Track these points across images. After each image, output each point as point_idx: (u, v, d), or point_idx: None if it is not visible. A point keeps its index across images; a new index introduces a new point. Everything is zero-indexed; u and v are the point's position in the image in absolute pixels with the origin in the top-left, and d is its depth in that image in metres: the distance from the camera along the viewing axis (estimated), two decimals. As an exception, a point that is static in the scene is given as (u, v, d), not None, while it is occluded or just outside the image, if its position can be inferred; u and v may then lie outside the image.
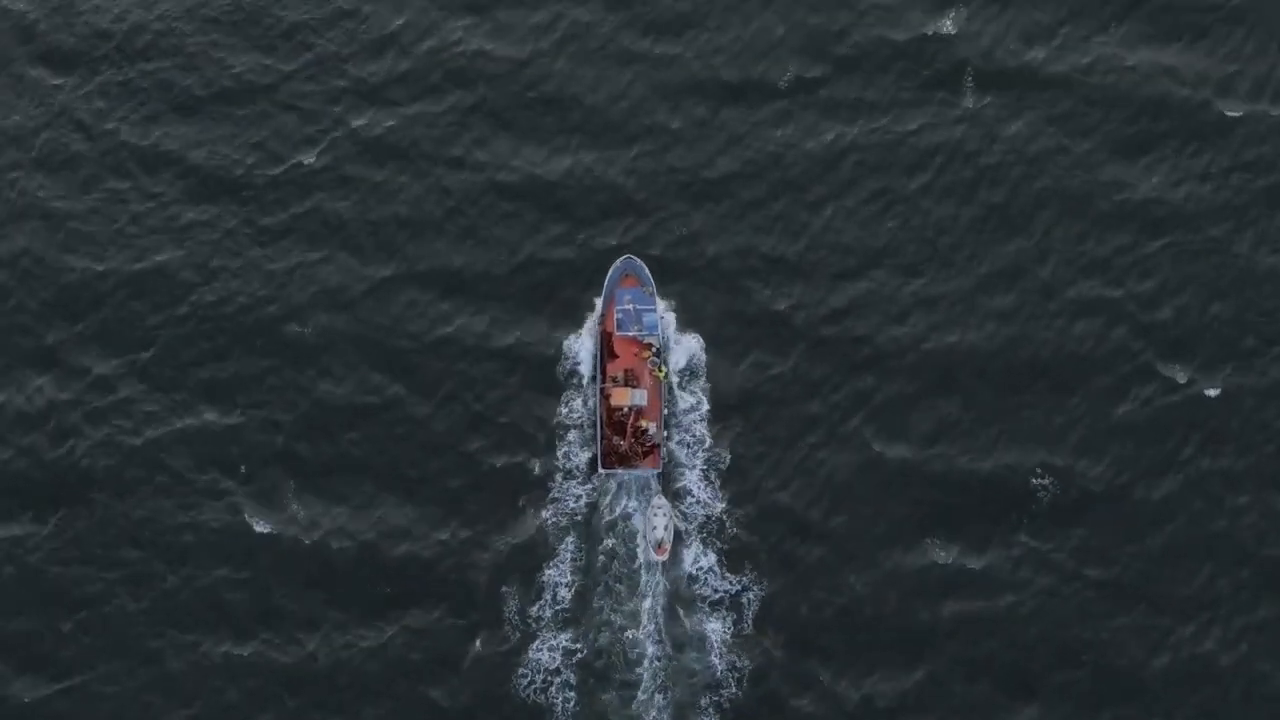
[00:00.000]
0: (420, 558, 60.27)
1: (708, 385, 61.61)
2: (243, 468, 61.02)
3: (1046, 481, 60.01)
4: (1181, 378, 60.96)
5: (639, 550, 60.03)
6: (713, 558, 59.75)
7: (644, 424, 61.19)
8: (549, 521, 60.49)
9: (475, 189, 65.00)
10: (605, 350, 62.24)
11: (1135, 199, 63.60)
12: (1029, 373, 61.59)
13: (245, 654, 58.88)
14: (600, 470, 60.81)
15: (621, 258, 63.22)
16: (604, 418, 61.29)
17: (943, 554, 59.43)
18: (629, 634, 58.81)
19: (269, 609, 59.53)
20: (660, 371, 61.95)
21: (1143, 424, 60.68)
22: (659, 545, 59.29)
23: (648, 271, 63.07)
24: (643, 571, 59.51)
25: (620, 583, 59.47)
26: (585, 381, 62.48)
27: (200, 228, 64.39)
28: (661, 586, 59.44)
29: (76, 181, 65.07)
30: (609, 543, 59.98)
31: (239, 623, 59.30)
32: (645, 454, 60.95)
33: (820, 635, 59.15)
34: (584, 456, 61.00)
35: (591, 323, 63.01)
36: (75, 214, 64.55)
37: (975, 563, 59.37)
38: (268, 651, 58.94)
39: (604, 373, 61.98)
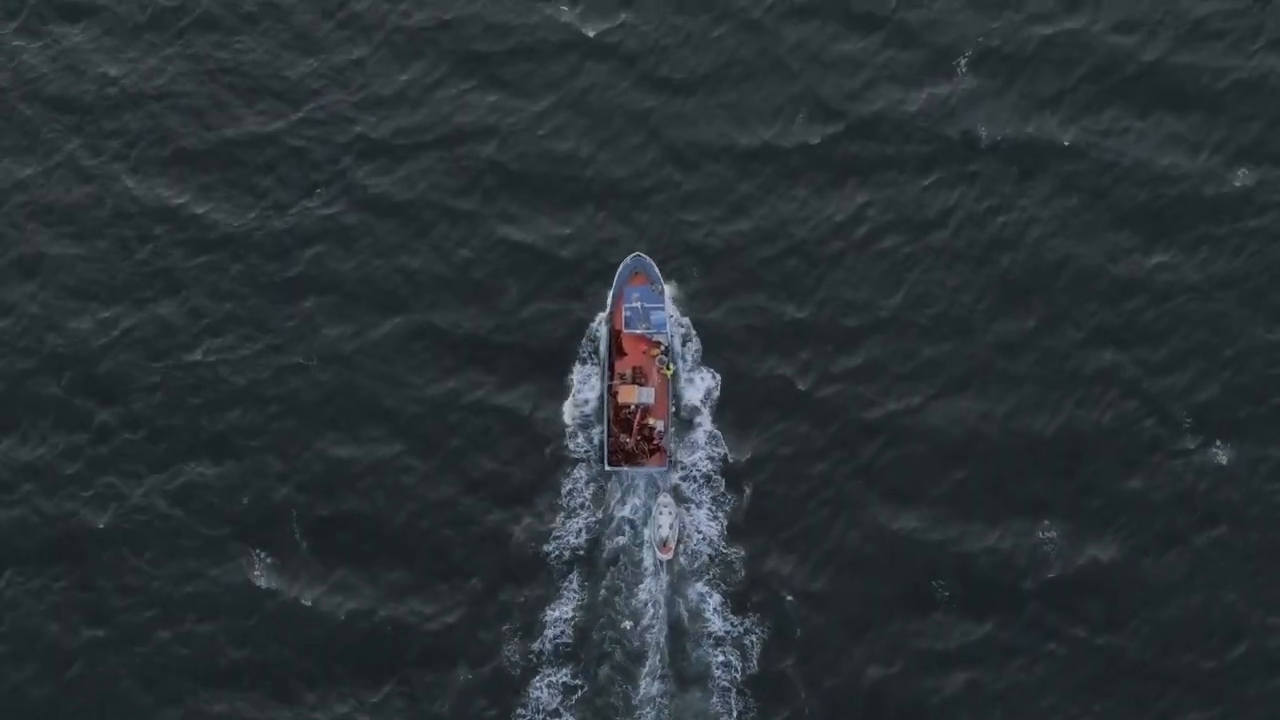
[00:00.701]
0: (422, 612, 59.58)
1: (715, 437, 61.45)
2: (242, 524, 60.04)
3: (1054, 551, 59.64)
4: (1190, 446, 60.60)
5: (645, 555, 60.18)
6: (717, 598, 59.31)
7: (651, 421, 61.19)
8: (551, 559, 60.07)
9: (482, 246, 64.04)
10: (613, 347, 62.13)
11: (1145, 268, 63.09)
12: (1038, 442, 61.00)
13: (241, 711, 58.10)
14: (606, 467, 60.77)
15: (631, 255, 63.10)
16: (611, 415, 61.23)
17: (949, 623, 59.04)
18: (632, 669, 58.86)
19: (266, 665, 58.69)
20: (668, 369, 61.94)
21: (1151, 495, 60.22)
22: (664, 544, 59.36)
23: (657, 269, 62.98)
24: (647, 607, 59.42)
25: (623, 618, 59.37)
26: (592, 398, 62.58)
27: (202, 279, 63.31)
28: (665, 632, 59.48)
29: (78, 231, 63.90)
30: (610, 580, 59.79)
31: (235, 680, 58.38)
32: (651, 452, 60.97)
33: (825, 706, 58.83)
34: (588, 493, 60.65)
35: (600, 323, 62.89)
36: (77, 263, 63.39)
37: (981, 632, 58.96)
38: (265, 708, 58.20)
39: (611, 370, 61.90)
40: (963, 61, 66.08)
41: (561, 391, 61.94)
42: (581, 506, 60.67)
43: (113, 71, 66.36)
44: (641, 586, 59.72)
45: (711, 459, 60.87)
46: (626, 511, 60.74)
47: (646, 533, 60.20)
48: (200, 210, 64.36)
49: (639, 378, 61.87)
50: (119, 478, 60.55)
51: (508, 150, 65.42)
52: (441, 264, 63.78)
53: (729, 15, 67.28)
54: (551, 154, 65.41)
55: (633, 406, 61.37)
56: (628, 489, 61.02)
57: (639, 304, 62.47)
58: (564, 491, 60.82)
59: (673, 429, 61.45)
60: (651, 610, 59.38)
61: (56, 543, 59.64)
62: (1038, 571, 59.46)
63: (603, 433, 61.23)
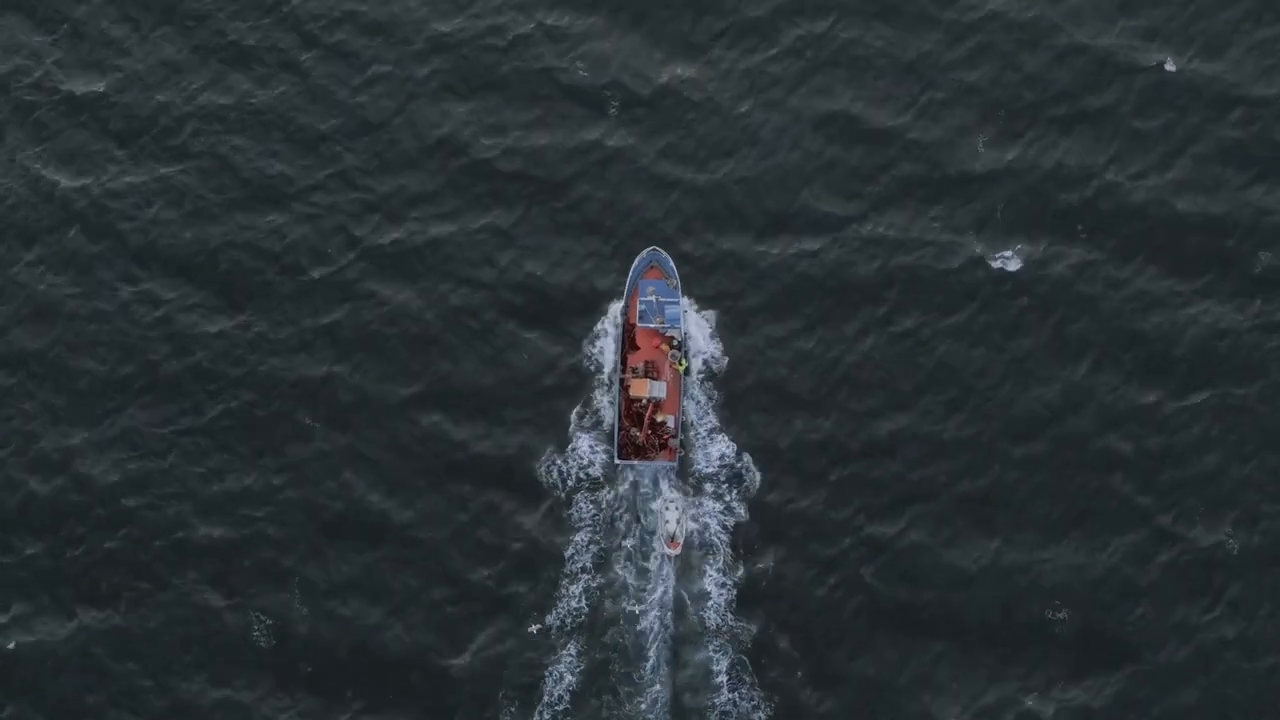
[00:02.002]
0: (425, 667, 59.62)
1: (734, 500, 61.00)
2: (243, 581, 60.03)
3: (1067, 631, 58.94)
4: (1207, 539, 59.71)
5: (652, 546, 60.14)
6: (724, 663, 59.11)
7: (662, 417, 61.09)
8: (552, 625, 59.86)
9: (504, 308, 63.39)
10: (626, 341, 62.09)
11: (1176, 350, 62.01)
12: (1057, 521, 60.21)
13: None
14: (616, 461, 60.77)
15: (647, 249, 63.01)
16: (622, 409, 61.20)
17: (963, 699, 58.69)
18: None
19: (266, 723, 59.43)
20: (680, 365, 61.81)
21: (1167, 580, 59.37)
22: (671, 539, 59.32)
23: (672, 264, 62.83)
24: (647, 670, 59.37)
25: (623, 684, 59.21)
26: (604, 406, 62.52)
27: (213, 335, 63.00)
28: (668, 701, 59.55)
29: (91, 283, 63.68)
30: (612, 637, 59.62)
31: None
32: (662, 446, 60.89)
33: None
34: (588, 557, 60.30)
35: (614, 315, 62.81)
36: (88, 316, 63.21)
37: (994, 708, 58.55)
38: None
39: (624, 364, 61.86)
40: (981, 142, 65.12)
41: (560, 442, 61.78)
42: (588, 509, 60.95)
43: (131, 121, 66.29)
44: (648, 584, 59.82)
45: (726, 526, 60.60)
46: (634, 506, 60.81)
47: (654, 528, 60.16)
48: (214, 264, 63.91)
49: (651, 372, 61.79)
50: (125, 531, 60.47)
51: (533, 210, 64.87)
52: (461, 324, 63.24)
53: (756, 90, 66.22)
54: (570, 224, 64.86)
55: (644, 401, 61.32)
56: (636, 484, 61.04)
57: (654, 298, 62.36)
58: (570, 504, 61.11)
59: (683, 423, 61.35)
60: (657, 611, 59.56)
61: (58, 596, 59.79)
62: (1050, 649, 58.83)
63: (613, 426, 61.21)
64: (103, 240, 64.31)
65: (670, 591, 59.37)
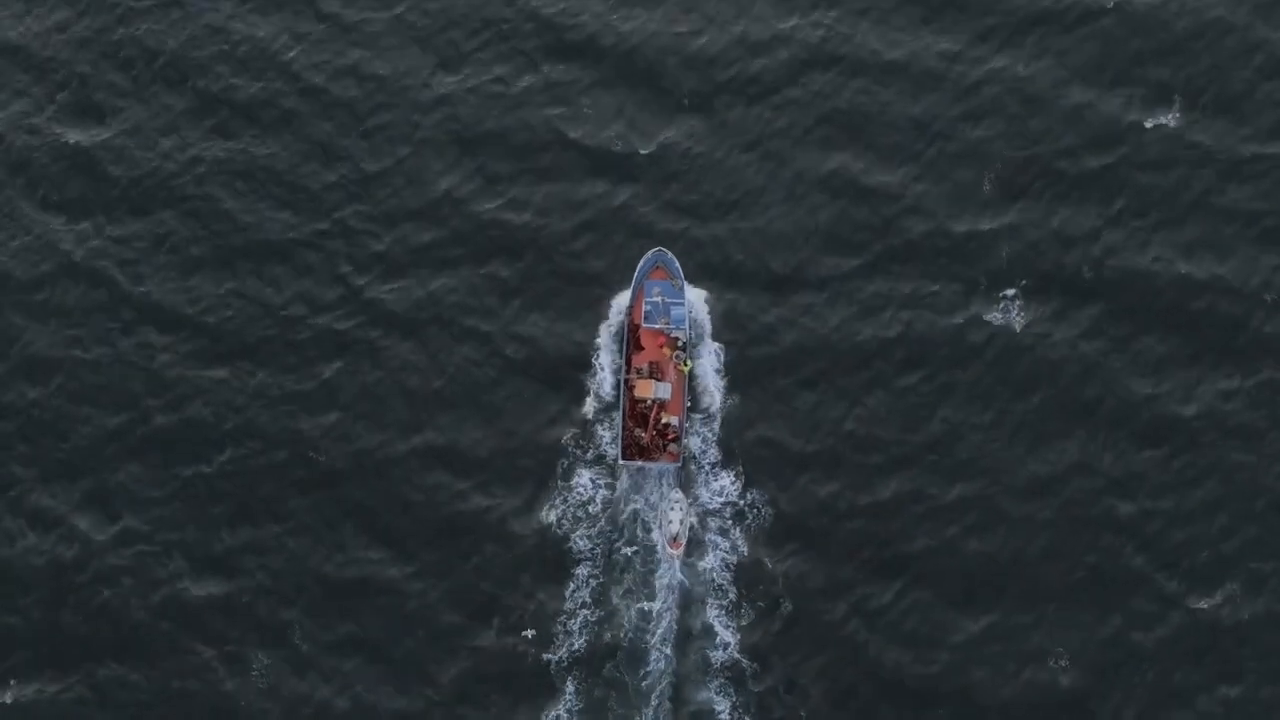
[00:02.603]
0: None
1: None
2: (240, 636, 59.53)
3: (1070, 694, 58.45)
4: (1211, 602, 59.10)
5: (656, 546, 60.03)
6: (726, 705, 58.64)
7: (667, 417, 61.02)
8: (553, 670, 59.48)
9: (503, 360, 62.93)
10: (631, 342, 62.05)
11: (1177, 412, 61.35)
12: (1055, 586, 59.57)
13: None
14: (620, 461, 60.64)
15: (653, 249, 63.00)
16: (626, 409, 61.12)
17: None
18: None
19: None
20: (685, 366, 61.75)
21: (1171, 644, 58.84)
22: (674, 539, 59.14)
23: (678, 265, 62.83)
24: (649, 711, 59.06)
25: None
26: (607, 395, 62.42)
27: (211, 388, 62.50)
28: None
29: (89, 333, 63.32)
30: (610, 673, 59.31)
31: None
32: (666, 447, 60.78)
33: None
34: (586, 593, 59.91)
35: (619, 316, 62.80)
36: (89, 368, 62.74)
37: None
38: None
39: (629, 364, 61.81)
40: (987, 184, 64.87)
41: (575, 512, 60.92)
42: (590, 505, 60.76)
43: (133, 172, 66.00)
44: (653, 583, 59.66)
45: (729, 566, 60.20)
46: (638, 506, 60.67)
47: (657, 529, 60.02)
48: (212, 316, 63.51)
49: (656, 373, 61.74)
50: (122, 586, 59.95)
51: (533, 265, 64.38)
52: (459, 379, 62.66)
53: (759, 142, 65.90)
54: (577, 272, 64.48)
55: (649, 401, 61.25)
56: (639, 485, 60.92)
57: (659, 299, 62.34)
58: (571, 492, 60.97)
59: (688, 424, 61.27)
60: (663, 612, 59.39)
61: (58, 651, 59.37)
62: (1050, 711, 58.61)
63: (617, 427, 61.12)
64: (100, 290, 63.85)
65: (673, 628, 58.95)
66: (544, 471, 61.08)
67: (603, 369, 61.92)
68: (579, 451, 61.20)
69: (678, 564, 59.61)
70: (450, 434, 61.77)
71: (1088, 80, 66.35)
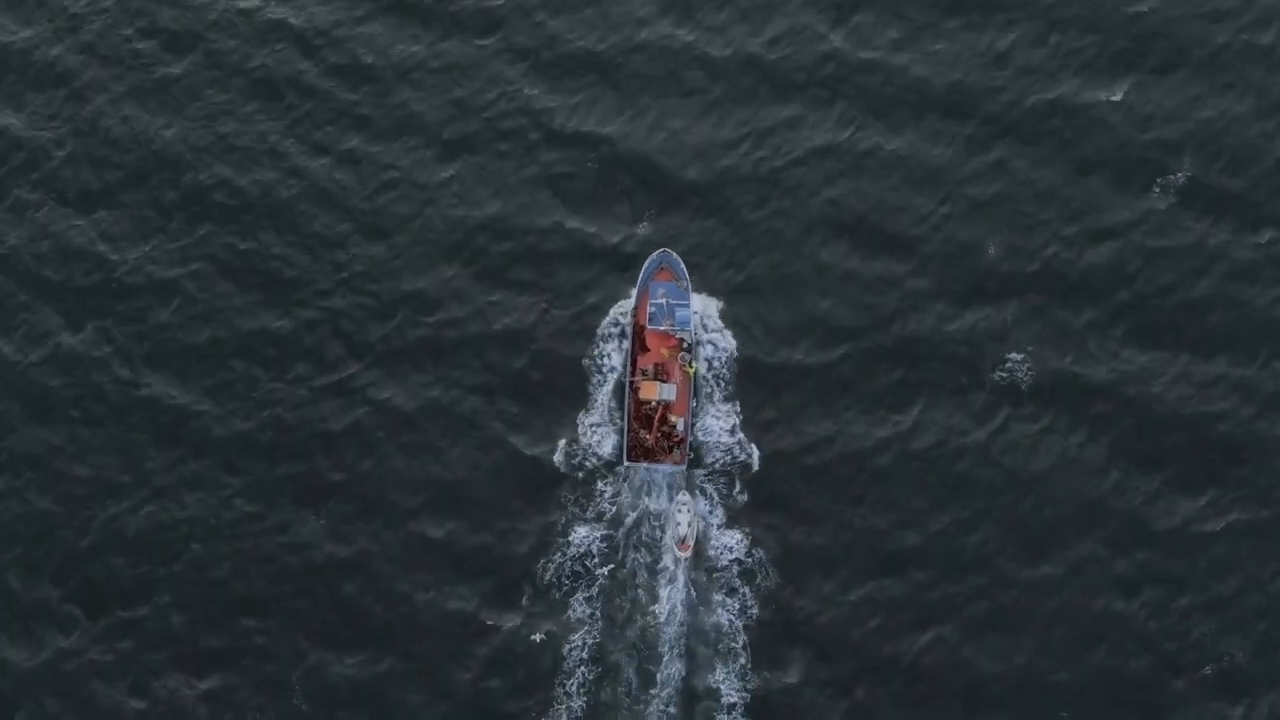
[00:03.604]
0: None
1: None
2: (242, 691, 59.09)
3: None
4: (1222, 661, 58.60)
5: (663, 546, 59.89)
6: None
7: (672, 418, 60.85)
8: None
9: (506, 413, 62.20)
10: (636, 343, 61.85)
11: (1198, 468, 60.74)
12: (1049, 697, 58.77)
13: None
14: (625, 463, 60.45)
15: (658, 251, 62.81)
16: (631, 410, 60.92)
17: None
18: None
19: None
20: (690, 367, 61.58)
21: (1184, 701, 58.25)
22: (681, 541, 59.01)
23: (683, 265, 62.66)
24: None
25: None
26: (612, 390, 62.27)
27: (199, 486, 61.52)
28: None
29: (94, 384, 62.63)
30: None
31: None
32: (671, 448, 60.63)
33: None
34: (588, 648, 59.49)
35: (624, 319, 62.59)
36: (91, 419, 62.18)
37: None
38: None
39: (634, 366, 61.61)
40: (1000, 253, 64.13)
41: (563, 613, 59.92)
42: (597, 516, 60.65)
43: (121, 259, 65.05)
44: (659, 587, 59.52)
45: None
46: (644, 509, 60.48)
47: (665, 531, 59.87)
48: (197, 413, 62.59)
49: (661, 374, 61.56)
50: (117, 682, 59.35)
51: (519, 366, 63.31)
52: (442, 478, 61.70)
53: (769, 234, 64.92)
54: (583, 328, 63.78)
55: (654, 403, 61.07)
56: (645, 487, 60.76)
57: (664, 300, 62.14)
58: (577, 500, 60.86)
59: (693, 424, 61.14)
60: (669, 614, 59.32)
61: None
62: None
63: (622, 428, 60.92)
64: (107, 342, 63.22)
65: (678, 686, 58.73)
66: (543, 522, 60.54)
67: (602, 403, 61.73)
68: (579, 495, 60.77)
69: (681, 613, 59.59)
70: (453, 487, 61.11)
71: (1101, 135, 65.53)
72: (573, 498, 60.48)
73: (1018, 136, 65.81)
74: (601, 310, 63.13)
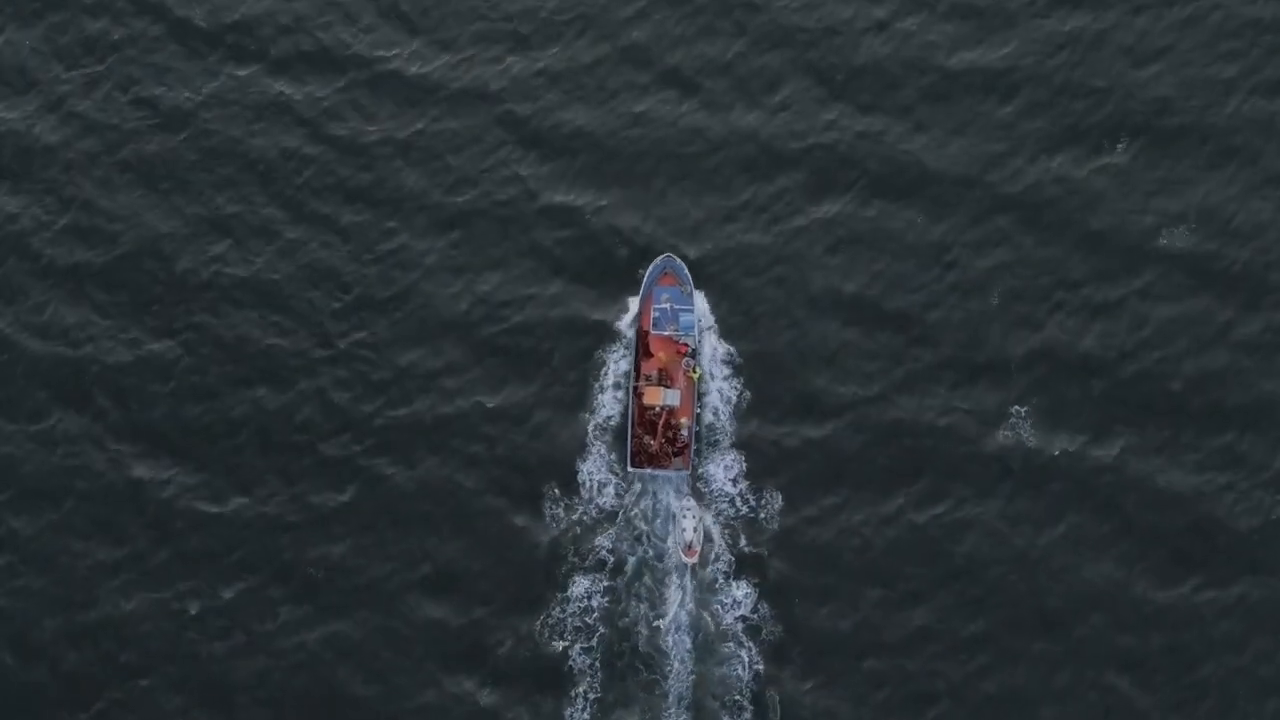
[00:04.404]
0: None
1: None
2: None
3: None
4: None
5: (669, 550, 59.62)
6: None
7: (676, 423, 60.64)
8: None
9: (505, 487, 61.11)
10: (640, 348, 61.65)
11: (1203, 544, 59.88)
12: None
13: None
14: (629, 469, 60.18)
15: (661, 255, 62.64)
16: (635, 416, 60.69)
17: None
18: None
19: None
20: (695, 372, 61.42)
21: None
22: (688, 547, 58.77)
23: (687, 271, 62.52)
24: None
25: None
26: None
27: (209, 515, 60.85)
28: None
29: (89, 459, 61.52)
30: None
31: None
32: (676, 454, 60.41)
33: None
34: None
35: (627, 324, 62.37)
36: (86, 494, 61.10)
37: None
38: None
39: (638, 371, 61.39)
40: (1005, 325, 63.37)
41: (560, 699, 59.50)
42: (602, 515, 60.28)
43: (109, 338, 64.01)
44: (666, 592, 59.20)
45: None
46: (649, 515, 60.17)
47: (670, 537, 59.62)
48: (192, 486, 61.90)
49: (665, 380, 61.37)
50: (133, 715, 59.03)
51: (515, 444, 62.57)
52: (445, 503, 61.31)
53: (777, 264, 64.38)
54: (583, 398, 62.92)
55: (658, 408, 60.84)
56: (650, 492, 60.46)
57: (668, 305, 61.99)
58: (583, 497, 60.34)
59: (697, 430, 60.94)
60: (675, 618, 59.03)
61: None
62: None
63: (626, 434, 60.67)
64: (102, 415, 62.21)
65: None
66: (540, 599, 59.91)
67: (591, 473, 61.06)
68: (576, 555, 60.14)
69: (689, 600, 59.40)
70: (450, 563, 60.13)
71: (1104, 205, 64.75)
72: (572, 549, 59.96)
73: (1020, 209, 65.04)
74: (600, 377, 62.37)
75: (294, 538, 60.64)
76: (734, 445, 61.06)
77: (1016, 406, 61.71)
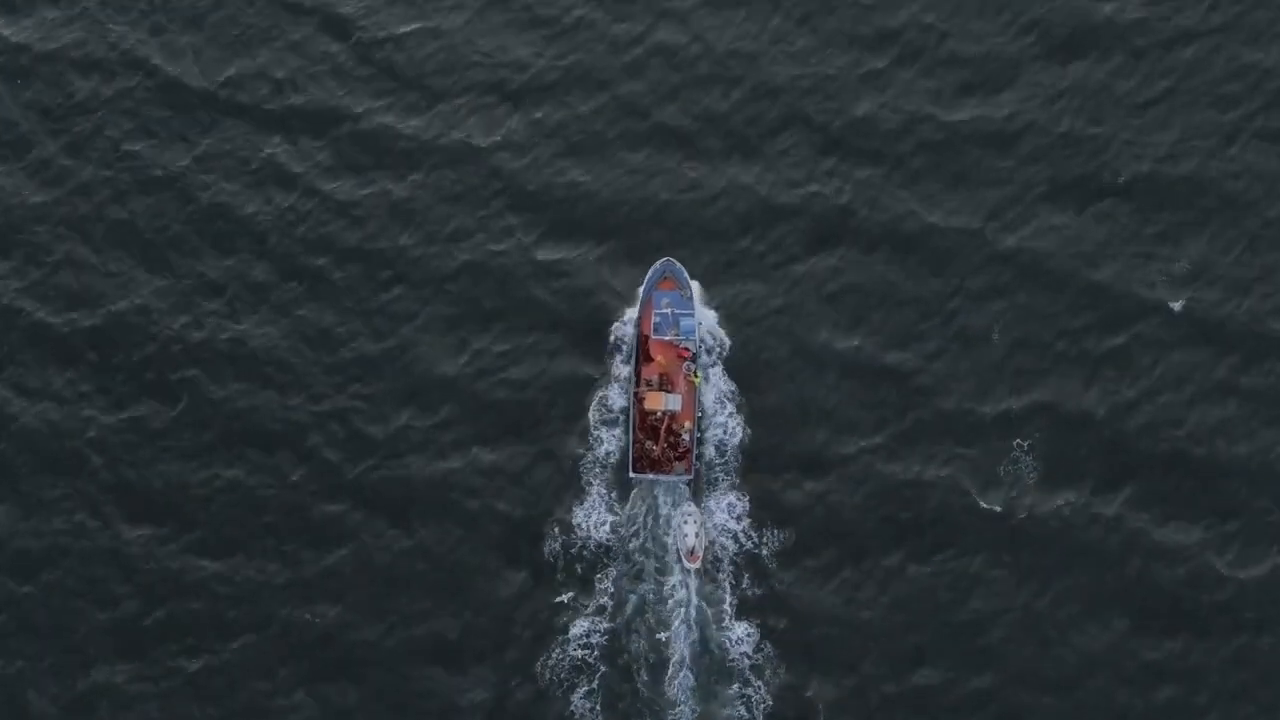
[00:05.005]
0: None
1: None
2: None
3: None
4: None
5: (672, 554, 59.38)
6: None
7: (678, 428, 60.40)
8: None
9: (498, 545, 60.35)
10: (640, 353, 61.38)
11: (1200, 601, 59.33)
12: None
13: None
14: (630, 475, 59.91)
15: (661, 260, 62.42)
16: (636, 421, 60.41)
17: None
18: None
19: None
20: (695, 376, 61.21)
21: None
22: (690, 553, 58.54)
23: (686, 275, 62.31)
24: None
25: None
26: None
27: (202, 580, 59.88)
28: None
29: (77, 525, 60.59)
30: None
31: None
32: (678, 459, 60.17)
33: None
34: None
35: (628, 326, 62.09)
36: (77, 558, 60.22)
37: None
38: None
39: (638, 376, 61.12)
40: (1000, 380, 62.89)
41: None
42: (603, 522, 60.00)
43: (94, 415, 62.97)
44: (669, 597, 58.97)
45: None
46: (651, 520, 59.91)
47: (673, 542, 59.38)
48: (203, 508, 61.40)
49: (666, 384, 61.12)
50: None
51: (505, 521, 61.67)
52: (439, 565, 60.54)
53: (769, 323, 63.93)
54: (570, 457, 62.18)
55: (659, 413, 60.59)
56: (652, 498, 60.20)
57: (668, 310, 61.76)
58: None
59: (699, 435, 60.72)
60: (679, 621, 58.77)
61: None
62: None
63: (627, 440, 60.39)
64: (91, 480, 61.25)
65: None
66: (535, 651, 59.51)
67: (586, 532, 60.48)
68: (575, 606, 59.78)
69: (694, 583, 59.02)
70: (445, 628, 59.51)
71: (1100, 260, 64.47)
72: (571, 593, 59.47)
73: (1028, 216, 65.03)
74: (594, 424, 61.65)
75: (292, 596, 59.81)
76: (735, 487, 60.60)
77: (1016, 458, 61.32)
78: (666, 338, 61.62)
